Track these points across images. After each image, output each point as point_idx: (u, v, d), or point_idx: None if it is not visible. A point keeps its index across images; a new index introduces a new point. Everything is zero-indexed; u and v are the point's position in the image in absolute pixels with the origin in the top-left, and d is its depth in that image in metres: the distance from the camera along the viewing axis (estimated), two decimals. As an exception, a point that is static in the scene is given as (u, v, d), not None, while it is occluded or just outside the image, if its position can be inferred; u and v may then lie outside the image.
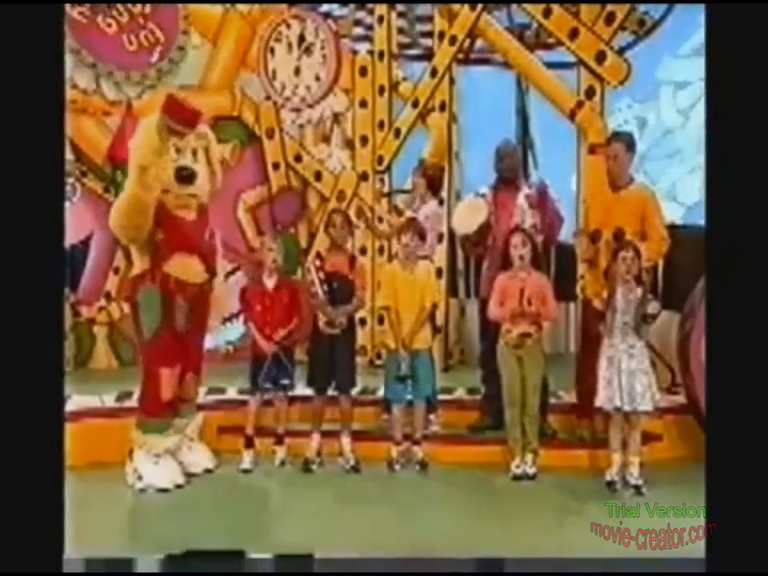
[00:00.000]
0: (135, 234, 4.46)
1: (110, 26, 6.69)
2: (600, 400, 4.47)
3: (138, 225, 4.39)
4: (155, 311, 4.51)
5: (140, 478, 4.51)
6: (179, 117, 4.42)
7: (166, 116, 4.38)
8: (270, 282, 4.93)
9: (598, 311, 4.52)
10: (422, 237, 4.88)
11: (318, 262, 4.88)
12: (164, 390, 4.54)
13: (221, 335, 5.88)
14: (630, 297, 4.41)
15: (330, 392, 4.93)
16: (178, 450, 4.72)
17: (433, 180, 5.54)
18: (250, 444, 4.92)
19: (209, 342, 5.23)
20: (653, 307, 4.42)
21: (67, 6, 6.24)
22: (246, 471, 4.83)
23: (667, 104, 7.99)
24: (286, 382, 4.89)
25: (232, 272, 5.91)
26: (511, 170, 5.15)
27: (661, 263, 5.60)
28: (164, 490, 4.47)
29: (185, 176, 4.46)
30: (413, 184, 5.64)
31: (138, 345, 4.75)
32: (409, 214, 5.47)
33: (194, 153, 4.55)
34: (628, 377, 4.39)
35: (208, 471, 4.82)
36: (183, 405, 4.79)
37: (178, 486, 4.54)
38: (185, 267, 4.56)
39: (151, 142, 4.37)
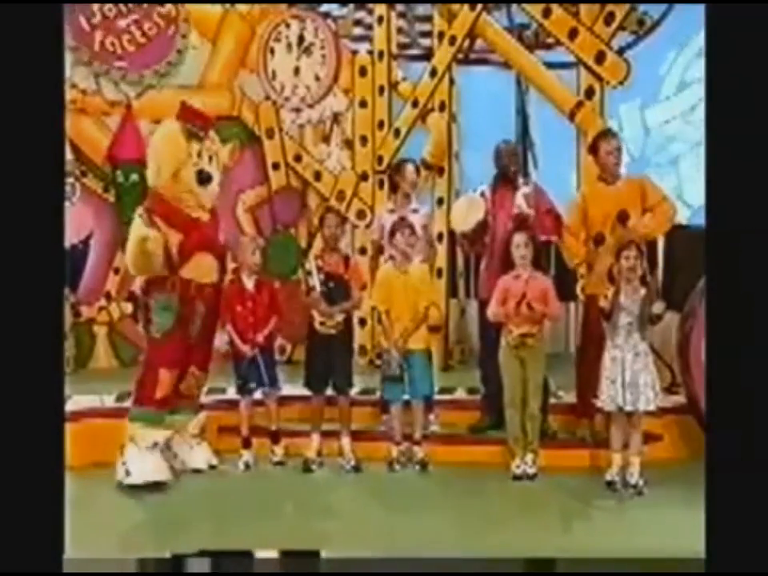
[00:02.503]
0: (157, 268, 4.51)
1: (110, 25, 6.70)
2: (603, 400, 4.46)
3: (158, 260, 4.46)
4: (171, 316, 4.55)
5: (128, 473, 4.46)
6: (195, 122, 4.56)
7: (183, 121, 4.54)
8: (249, 283, 4.89)
9: (598, 311, 4.51)
10: (415, 236, 4.86)
11: (320, 261, 4.87)
12: (159, 390, 4.57)
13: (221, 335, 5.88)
14: (635, 297, 4.40)
15: (329, 392, 4.92)
16: (173, 447, 4.72)
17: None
18: (246, 444, 4.93)
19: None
20: (657, 307, 4.41)
21: (67, 7, 6.24)
22: (245, 469, 4.84)
23: (667, 105, 7.98)
24: (265, 383, 4.86)
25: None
26: (512, 166, 5.14)
27: (661, 264, 5.60)
28: (156, 485, 4.44)
29: (204, 178, 4.57)
30: (395, 185, 5.56)
31: (145, 338, 4.73)
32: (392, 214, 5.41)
33: (210, 157, 4.66)
34: (632, 377, 4.38)
35: (212, 467, 4.84)
36: (183, 401, 4.79)
37: (159, 484, 4.47)
38: (202, 267, 4.62)
39: (179, 145, 4.51)
